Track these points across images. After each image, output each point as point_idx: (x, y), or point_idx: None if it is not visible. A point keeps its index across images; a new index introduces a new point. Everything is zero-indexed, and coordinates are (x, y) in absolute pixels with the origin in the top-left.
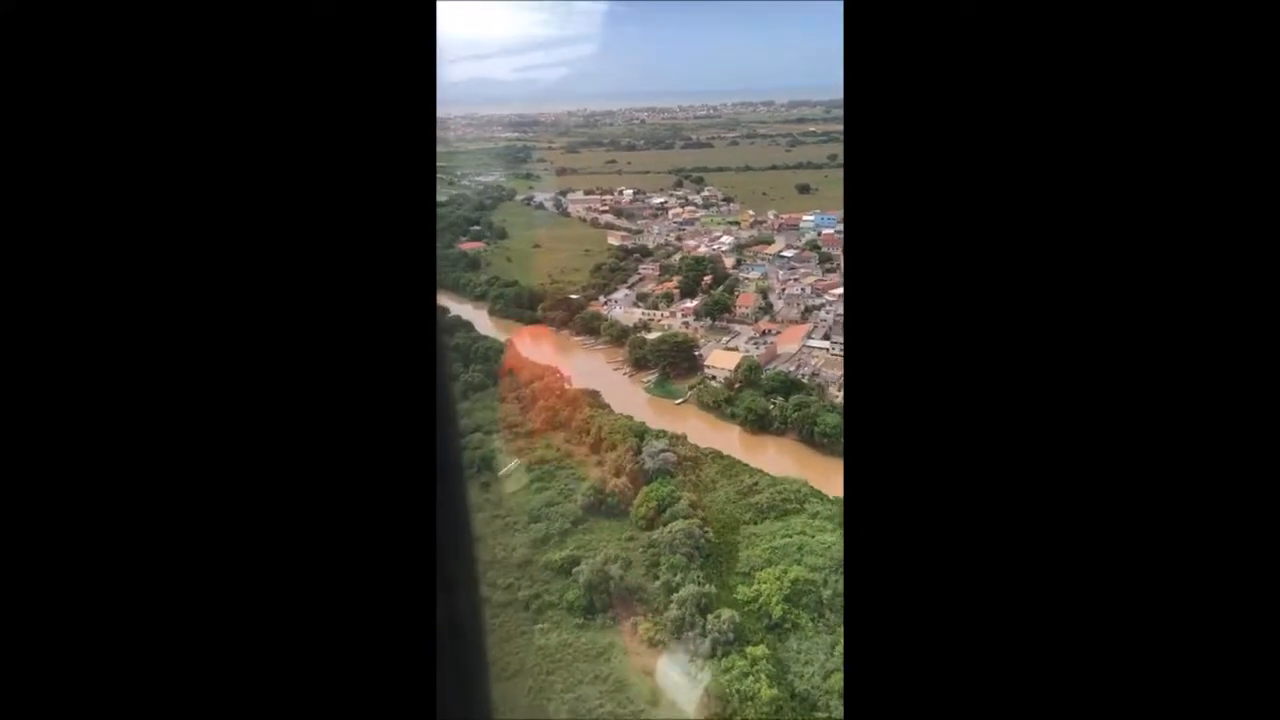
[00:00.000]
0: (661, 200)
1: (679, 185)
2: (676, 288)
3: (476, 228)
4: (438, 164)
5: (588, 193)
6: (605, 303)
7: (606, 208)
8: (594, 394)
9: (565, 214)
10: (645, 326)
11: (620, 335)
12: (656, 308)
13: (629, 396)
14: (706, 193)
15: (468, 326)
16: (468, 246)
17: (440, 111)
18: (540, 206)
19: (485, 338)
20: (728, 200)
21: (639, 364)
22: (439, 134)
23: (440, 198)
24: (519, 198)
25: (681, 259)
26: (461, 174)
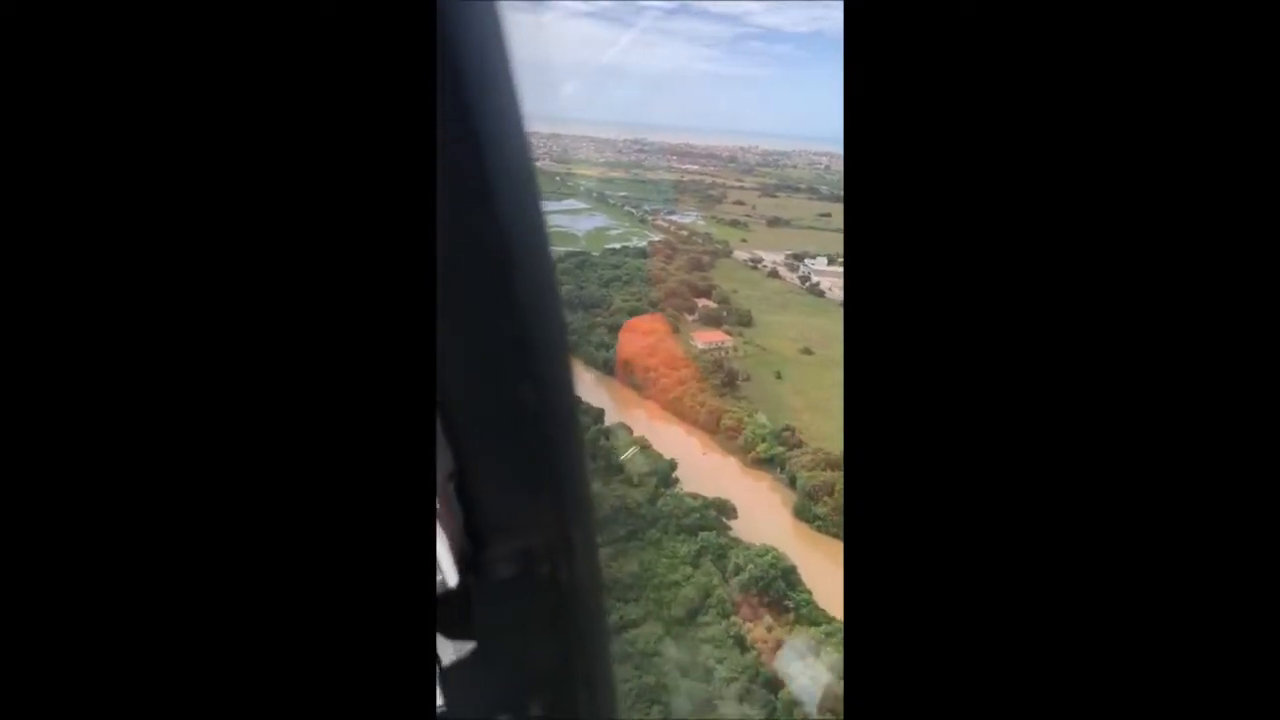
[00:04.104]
0: None
1: None
2: None
3: (709, 304)
4: (620, 194)
5: (831, 262)
6: None
7: None
8: None
9: (817, 292)
10: None
11: None
12: None
13: None
14: None
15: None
16: (706, 338)
17: (604, 133)
18: (774, 274)
19: None
20: None
21: None
22: (608, 157)
23: (639, 243)
24: (739, 255)
25: None
26: (650, 209)
